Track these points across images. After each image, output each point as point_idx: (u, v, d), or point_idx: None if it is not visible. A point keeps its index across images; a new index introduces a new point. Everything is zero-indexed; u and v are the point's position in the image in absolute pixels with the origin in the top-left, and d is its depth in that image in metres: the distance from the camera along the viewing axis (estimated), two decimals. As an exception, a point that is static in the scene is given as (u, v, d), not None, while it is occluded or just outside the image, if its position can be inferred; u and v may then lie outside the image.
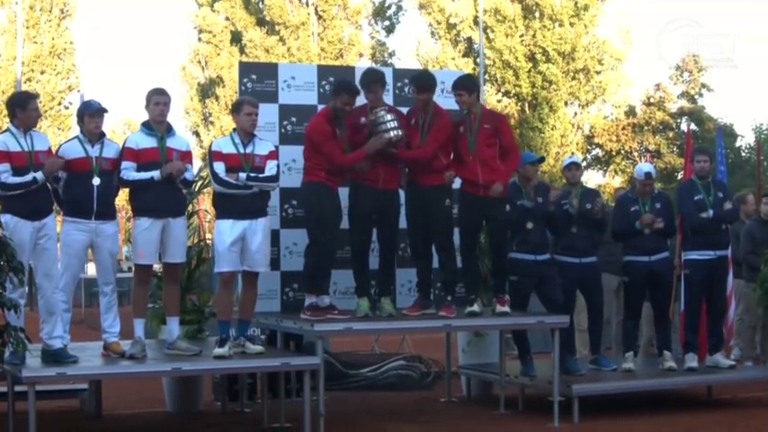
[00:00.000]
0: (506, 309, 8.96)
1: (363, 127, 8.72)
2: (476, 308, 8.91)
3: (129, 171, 8.00)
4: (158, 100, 8.10)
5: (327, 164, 8.52)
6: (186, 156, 8.27)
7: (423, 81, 9.02)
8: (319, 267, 8.63)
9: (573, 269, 9.56)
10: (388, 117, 8.63)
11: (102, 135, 8.10)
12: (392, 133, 8.58)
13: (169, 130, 8.18)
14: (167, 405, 9.62)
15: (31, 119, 7.83)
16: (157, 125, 8.12)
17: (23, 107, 7.78)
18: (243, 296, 8.52)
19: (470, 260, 9.12)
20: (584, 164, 34.19)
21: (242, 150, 8.21)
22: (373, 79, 8.88)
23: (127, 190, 8.31)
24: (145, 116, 8.22)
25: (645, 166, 10.20)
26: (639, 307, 9.97)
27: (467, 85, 9.06)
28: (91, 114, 8.05)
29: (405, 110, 9.11)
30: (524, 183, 9.43)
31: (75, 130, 8.30)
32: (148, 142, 8.07)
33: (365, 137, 8.67)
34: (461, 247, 9.07)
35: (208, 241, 11.06)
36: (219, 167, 8.15)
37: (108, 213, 8.09)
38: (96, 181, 7.93)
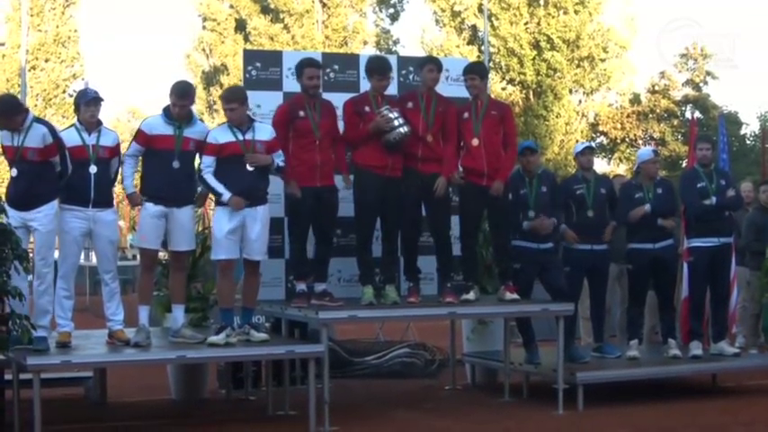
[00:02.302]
0: (516, 296, 8.97)
1: (368, 115, 8.68)
2: (471, 295, 8.89)
3: (133, 151, 8.05)
4: (175, 102, 8.06)
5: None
6: (204, 145, 8.21)
7: (438, 60, 9.18)
8: (300, 257, 8.68)
9: (584, 256, 9.56)
10: (392, 115, 8.60)
11: (99, 123, 8.08)
12: (401, 130, 8.57)
13: (189, 120, 8.15)
14: (172, 393, 9.64)
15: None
16: (177, 117, 8.10)
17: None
18: (245, 284, 8.51)
19: (470, 248, 9.12)
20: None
21: (241, 137, 8.14)
22: (387, 67, 8.93)
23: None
24: (155, 105, 8.21)
25: (648, 148, 10.22)
26: (644, 294, 9.96)
27: (479, 71, 9.20)
28: (86, 103, 8.01)
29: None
30: (525, 171, 9.46)
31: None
32: (164, 129, 8.06)
33: (369, 129, 8.63)
34: (461, 235, 9.07)
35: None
36: (208, 161, 8.08)
37: (105, 201, 8.07)
38: (93, 169, 7.92)
